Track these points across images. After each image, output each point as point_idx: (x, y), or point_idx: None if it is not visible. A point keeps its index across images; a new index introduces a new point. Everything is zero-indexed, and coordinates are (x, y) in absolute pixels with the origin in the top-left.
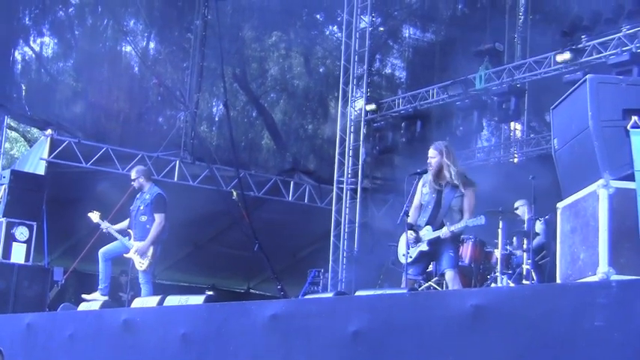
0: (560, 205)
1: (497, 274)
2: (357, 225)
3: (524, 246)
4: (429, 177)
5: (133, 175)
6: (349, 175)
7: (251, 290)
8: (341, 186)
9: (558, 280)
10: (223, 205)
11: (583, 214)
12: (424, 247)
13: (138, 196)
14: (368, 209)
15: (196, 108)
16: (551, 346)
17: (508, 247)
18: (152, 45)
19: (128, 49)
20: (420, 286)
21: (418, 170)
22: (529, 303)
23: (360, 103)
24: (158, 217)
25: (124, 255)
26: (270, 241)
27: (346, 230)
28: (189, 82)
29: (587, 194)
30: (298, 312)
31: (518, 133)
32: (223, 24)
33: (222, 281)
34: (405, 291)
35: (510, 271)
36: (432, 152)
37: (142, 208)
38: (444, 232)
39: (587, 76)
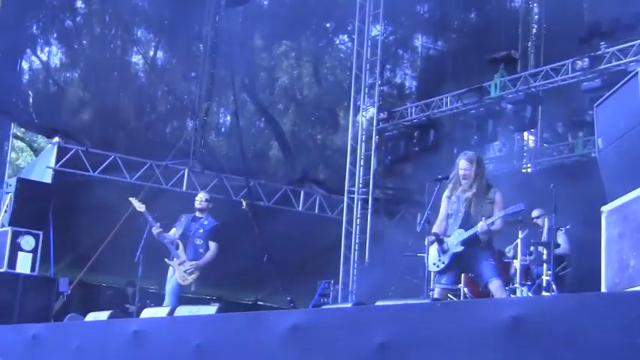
0: (605, 208)
1: (517, 285)
2: (368, 236)
3: (544, 257)
4: (453, 186)
5: (206, 197)
6: (360, 185)
7: (259, 302)
8: (352, 196)
9: (603, 289)
10: (232, 215)
11: (634, 218)
12: (458, 248)
13: (191, 218)
14: (379, 220)
15: (206, 116)
16: None
17: (527, 258)
18: (160, 54)
19: (135, 58)
20: (455, 296)
21: (439, 176)
22: (575, 314)
23: (371, 112)
24: (214, 246)
25: (166, 260)
26: (280, 252)
27: (357, 241)
28: (199, 90)
29: (638, 196)
30: (320, 323)
31: (531, 143)
32: (233, 32)
33: (229, 293)
34: (427, 301)
35: (530, 282)
36: (464, 164)
37: (200, 231)
38: (481, 225)
39: (637, 69)
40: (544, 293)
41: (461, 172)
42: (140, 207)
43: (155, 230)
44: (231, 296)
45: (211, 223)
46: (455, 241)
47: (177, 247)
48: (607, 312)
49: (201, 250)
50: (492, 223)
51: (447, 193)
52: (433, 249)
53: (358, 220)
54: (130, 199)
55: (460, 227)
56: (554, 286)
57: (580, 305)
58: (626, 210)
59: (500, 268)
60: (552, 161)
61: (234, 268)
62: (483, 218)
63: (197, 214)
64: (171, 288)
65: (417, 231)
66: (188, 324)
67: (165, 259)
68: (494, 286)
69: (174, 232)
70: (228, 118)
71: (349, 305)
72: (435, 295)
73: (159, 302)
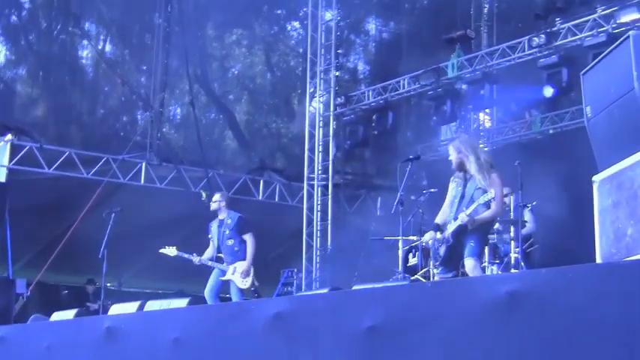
0: (596, 178)
1: (485, 263)
2: (329, 222)
3: (512, 234)
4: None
5: (217, 197)
6: (320, 172)
7: (220, 295)
8: (312, 183)
9: (598, 260)
10: (192, 207)
11: (629, 185)
12: (449, 240)
13: (217, 223)
14: (340, 205)
15: (161, 107)
16: (603, 333)
17: (495, 236)
18: (109, 47)
19: (85, 52)
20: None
21: (410, 157)
22: (573, 286)
23: (327, 97)
24: (249, 237)
25: (221, 278)
26: None
27: (319, 228)
28: (153, 81)
29: (634, 163)
30: (305, 309)
31: (487, 123)
32: (186, 21)
33: (190, 286)
34: (405, 283)
35: (498, 261)
36: (450, 150)
37: (227, 232)
38: (462, 217)
39: (629, 33)
40: (512, 271)
41: (449, 158)
42: (172, 252)
43: (196, 261)
44: (192, 289)
45: (234, 218)
46: (449, 231)
47: (221, 261)
48: (605, 283)
49: (236, 249)
50: (476, 212)
51: (451, 180)
52: (433, 240)
53: (319, 206)
54: (161, 250)
55: (456, 215)
56: (522, 264)
57: (577, 277)
58: (620, 178)
59: None
60: (510, 139)
61: None
62: (464, 209)
63: (219, 216)
64: (209, 292)
65: (392, 212)
66: (164, 318)
67: (221, 279)
68: (468, 265)
69: (211, 246)
70: (179, 110)
71: (326, 291)
72: None
73: (119, 299)
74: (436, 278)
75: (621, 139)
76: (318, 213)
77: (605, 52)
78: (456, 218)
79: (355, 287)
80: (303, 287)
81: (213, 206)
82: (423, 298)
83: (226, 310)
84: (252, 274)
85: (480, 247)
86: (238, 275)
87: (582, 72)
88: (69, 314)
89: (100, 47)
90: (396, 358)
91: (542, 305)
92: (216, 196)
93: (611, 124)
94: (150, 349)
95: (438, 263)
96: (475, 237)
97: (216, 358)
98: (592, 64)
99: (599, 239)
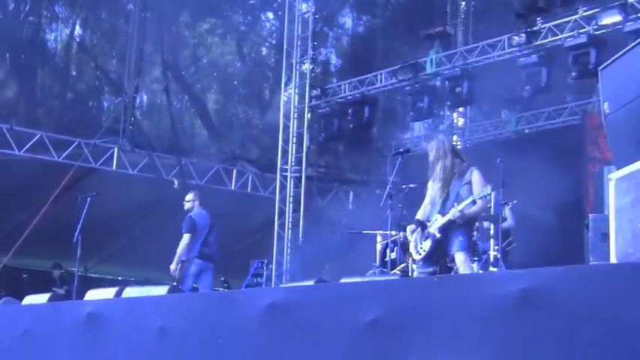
0: (613, 176)
1: None
2: (301, 214)
3: (491, 232)
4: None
5: (190, 197)
6: (293, 163)
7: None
8: (285, 174)
9: (614, 260)
10: (164, 194)
11: None
12: (437, 235)
13: None
14: (312, 198)
15: (135, 93)
16: (619, 334)
17: (474, 233)
18: (80, 30)
19: (54, 35)
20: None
21: (400, 149)
22: (588, 285)
23: (302, 89)
24: (184, 236)
25: None
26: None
27: (290, 220)
28: (128, 66)
29: None
30: (301, 300)
31: (460, 122)
32: (159, 8)
33: (157, 274)
34: (396, 277)
35: (477, 258)
36: (429, 149)
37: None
38: (453, 212)
39: None
40: (492, 269)
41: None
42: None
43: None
44: (158, 277)
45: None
46: (434, 227)
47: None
48: (623, 282)
49: None
50: (467, 207)
51: (431, 180)
52: (415, 235)
53: (291, 198)
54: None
55: (439, 212)
56: (501, 263)
57: (593, 276)
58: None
59: None
60: (484, 138)
61: (164, 248)
62: (455, 204)
63: None
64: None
65: (380, 205)
66: (149, 305)
67: None
68: (458, 259)
69: None
70: (145, 97)
71: (311, 283)
72: None
73: (85, 285)
74: (415, 274)
75: None
76: (290, 205)
77: (627, 48)
78: (444, 214)
79: (343, 280)
80: (273, 279)
81: (187, 205)
82: (427, 293)
83: (213, 299)
84: (177, 271)
85: (468, 241)
86: None
87: (600, 67)
88: (42, 298)
89: (68, 31)
90: (399, 352)
91: (556, 303)
92: (189, 196)
93: (630, 122)
94: (134, 337)
95: (420, 257)
96: (463, 232)
97: (205, 349)
98: (612, 59)
99: (614, 238)
